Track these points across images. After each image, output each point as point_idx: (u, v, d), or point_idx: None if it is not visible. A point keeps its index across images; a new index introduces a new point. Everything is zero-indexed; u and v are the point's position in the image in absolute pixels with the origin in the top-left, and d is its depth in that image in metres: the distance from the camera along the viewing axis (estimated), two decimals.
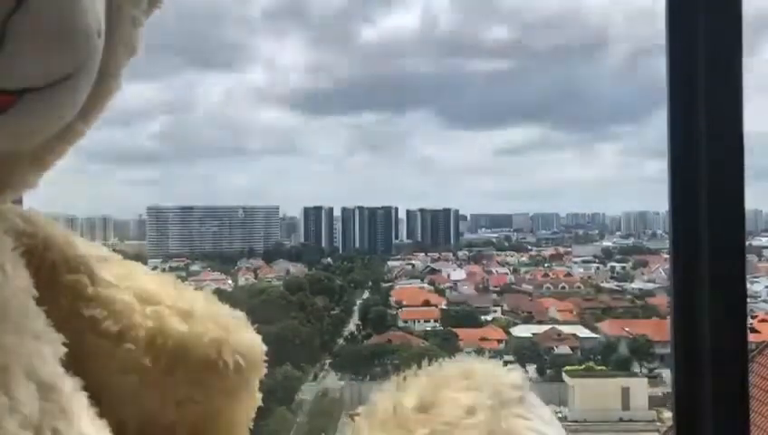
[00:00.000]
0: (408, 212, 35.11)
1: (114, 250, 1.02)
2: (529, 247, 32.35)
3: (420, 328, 24.30)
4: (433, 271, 29.49)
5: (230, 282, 26.58)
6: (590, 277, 27.85)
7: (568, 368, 18.93)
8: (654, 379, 18.28)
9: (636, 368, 20.48)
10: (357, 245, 33.47)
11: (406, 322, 24.76)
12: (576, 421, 15.75)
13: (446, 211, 34.99)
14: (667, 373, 17.21)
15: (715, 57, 1.44)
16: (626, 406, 17.05)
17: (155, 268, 1.08)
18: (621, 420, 16.81)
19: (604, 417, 16.61)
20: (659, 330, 20.08)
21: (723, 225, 1.44)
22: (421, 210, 34.90)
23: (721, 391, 1.42)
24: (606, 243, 31.56)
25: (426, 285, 28.09)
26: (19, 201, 0.96)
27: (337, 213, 34.14)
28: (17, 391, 0.65)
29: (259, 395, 1.01)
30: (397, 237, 34.39)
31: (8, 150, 0.72)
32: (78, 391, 0.76)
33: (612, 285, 27.18)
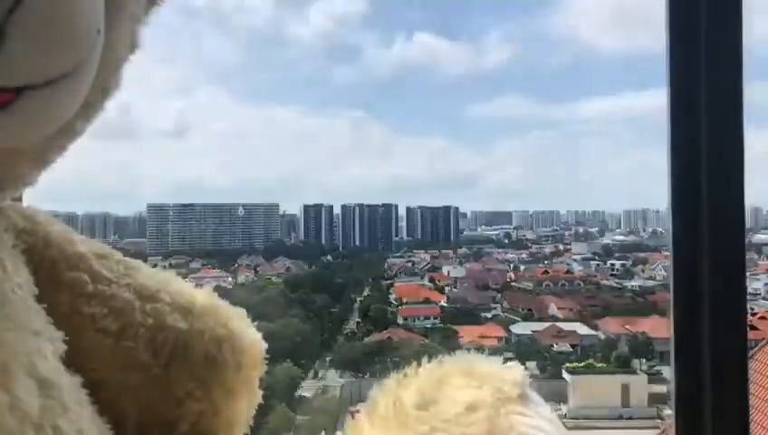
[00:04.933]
0: (409, 209, 35.13)
1: (114, 248, 1.02)
2: (529, 245, 32.35)
3: (420, 325, 24.31)
4: (433, 268, 29.49)
5: (230, 279, 26.60)
6: (589, 275, 27.84)
7: (568, 365, 18.94)
8: (654, 376, 18.29)
9: (636, 365, 20.49)
10: (357, 242, 33.48)
11: (406, 319, 24.77)
12: (576, 418, 15.77)
13: (447, 208, 34.98)
14: (666, 370, 17.21)
15: (717, 57, 1.44)
16: (626, 403, 17.06)
17: (155, 266, 1.08)
18: (621, 417, 16.83)
19: (604, 414, 16.63)
20: (659, 327, 20.09)
21: (723, 222, 1.44)
22: (421, 208, 34.92)
23: (721, 388, 1.42)
24: (606, 240, 31.55)
25: (426, 283, 28.09)
26: (19, 198, 0.96)
27: (337, 210, 34.15)
28: (18, 388, 0.65)
29: (259, 392, 1.01)
30: (397, 235, 34.39)
31: (8, 148, 0.71)
32: (78, 388, 0.76)
33: (612, 282, 27.17)
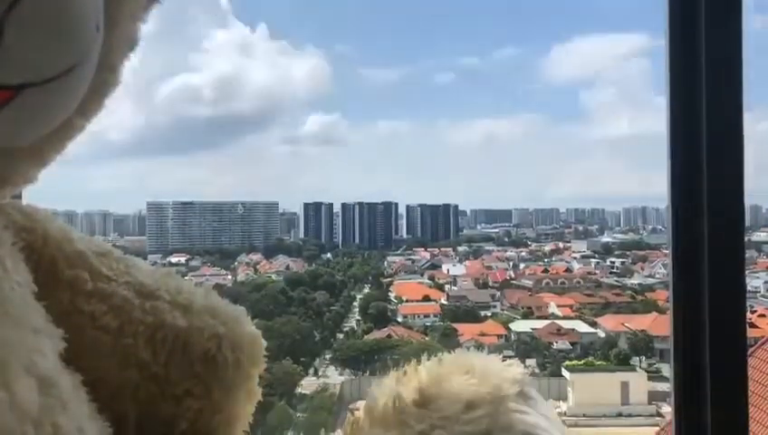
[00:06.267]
0: (408, 207, 35.10)
1: (114, 246, 1.02)
2: (529, 243, 32.36)
3: (420, 323, 24.32)
4: (433, 266, 29.50)
5: (230, 277, 26.61)
6: (589, 273, 27.85)
7: (568, 363, 18.96)
8: (653, 374, 18.31)
9: (635, 363, 20.50)
10: (357, 240, 33.48)
11: (405, 317, 24.79)
12: (576, 416, 15.79)
13: (446, 206, 34.97)
14: (666, 368, 17.23)
15: (716, 57, 1.44)
16: (625, 401, 17.08)
17: (155, 264, 1.08)
18: (621, 414, 16.86)
19: (603, 411, 16.66)
20: (659, 325, 20.11)
21: (722, 221, 1.44)
22: (421, 206, 34.90)
23: (720, 385, 1.42)
24: (606, 238, 31.55)
25: (425, 281, 28.10)
26: (18, 196, 0.96)
27: (337, 208, 34.14)
28: (17, 386, 0.65)
29: (259, 390, 1.01)
30: (396, 233, 34.38)
31: (7, 146, 0.71)
32: (78, 385, 0.76)
33: (612, 280, 27.18)
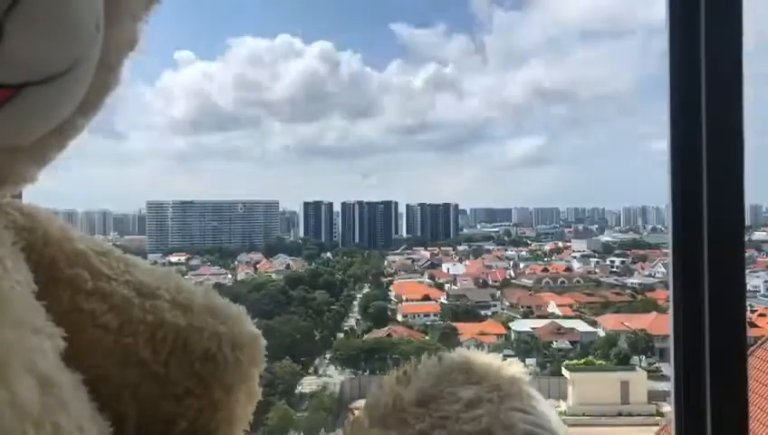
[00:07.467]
0: (408, 207, 35.14)
1: (114, 245, 1.02)
2: (528, 242, 32.39)
3: (420, 322, 24.35)
4: (433, 265, 29.53)
5: (230, 276, 26.63)
6: (589, 272, 27.86)
7: (567, 362, 18.98)
8: (653, 373, 18.32)
9: (635, 362, 20.52)
10: (357, 239, 33.51)
11: (405, 316, 24.81)
12: (576, 415, 15.80)
13: (446, 206, 34.99)
14: (666, 367, 17.24)
15: (717, 56, 1.44)
16: (625, 400, 17.10)
17: (155, 263, 1.08)
18: (620, 413, 16.87)
19: (603, 411, 16.67)
20: (659, 324, 20.12)
21: (722, 220, 1.44)
22: (421, 205, 34.92)
23: (720, 385, 1.42)
24: (606, 238, 31.57)
25: (425, 280, 28.13)
26: (18, 196, 0.96)
27: (337, 208, 34.16)
28: (17, 385, 0.65)
29: (259, 389, 1.02)
30: (396, 232, 34.40)
31: (7, 145, 0.71)
32: (78, 385, 0.76)
33: (612, 279, 27.19)
